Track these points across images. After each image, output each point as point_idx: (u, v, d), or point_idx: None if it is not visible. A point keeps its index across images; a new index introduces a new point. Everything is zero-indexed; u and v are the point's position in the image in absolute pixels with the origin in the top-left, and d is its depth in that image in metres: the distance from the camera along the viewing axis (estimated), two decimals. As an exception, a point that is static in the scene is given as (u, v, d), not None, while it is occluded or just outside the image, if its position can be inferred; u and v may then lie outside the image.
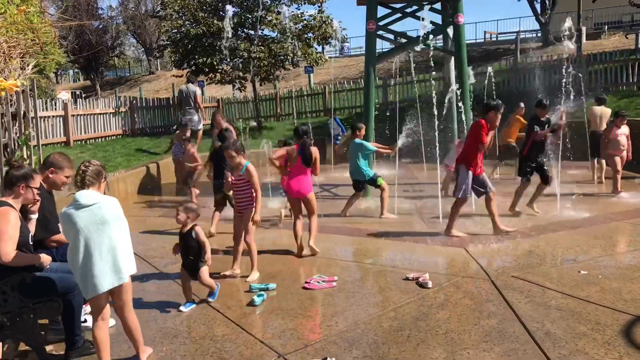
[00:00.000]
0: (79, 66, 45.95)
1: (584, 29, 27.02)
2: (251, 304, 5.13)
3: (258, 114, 19.45)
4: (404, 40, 11.04)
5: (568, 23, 9.43)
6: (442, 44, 11.88)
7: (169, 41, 17.86)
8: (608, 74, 16.38)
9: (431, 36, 10.64)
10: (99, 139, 15.72)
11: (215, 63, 16.39)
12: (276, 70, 17.61)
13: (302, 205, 6.75)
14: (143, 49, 48.00)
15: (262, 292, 5.32)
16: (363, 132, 9.04)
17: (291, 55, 17.03)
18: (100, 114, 15.96)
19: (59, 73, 59.95)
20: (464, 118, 9.60)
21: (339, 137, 14.51)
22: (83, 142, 15.14)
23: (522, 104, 11.66)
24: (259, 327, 4.66)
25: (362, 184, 9.00)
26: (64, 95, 31.60)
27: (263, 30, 17.68)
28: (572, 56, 17.10)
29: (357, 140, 8.93)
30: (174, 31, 17.20)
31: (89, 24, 42.57)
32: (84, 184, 3.91)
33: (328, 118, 16.78)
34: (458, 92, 9.96)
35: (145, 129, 17.56)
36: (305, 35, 18.10)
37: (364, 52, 13.10)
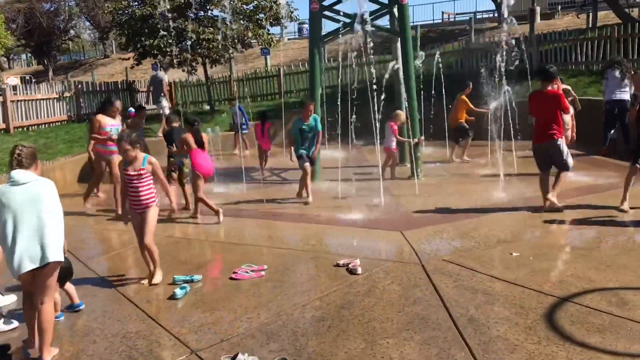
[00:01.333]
0: (30, 50, 44.44)
1: (538, 8, 27.22)
2: (172, 297, 4.92)
3: (210, 97, 19.03)
4: (348, 21, 10.80)
5: (510, 1, 9.30)
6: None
7: (114, 23, 17.24)
8: (558, 53, 16.47)
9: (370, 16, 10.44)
10: (43, 125, 15.14)
11: (162, 45, 15.88)
12: (226, 52, 17.18)
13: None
14: (97, 32, 46.56)
15: (186, 285, 5.12)
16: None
17: (241, 36, 16.63)
18: (43, 99, 15.35)
19: (10, 58, 57.99)
20: (403, 100, 9.48)
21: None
22: (25, 128, 14.54)
23: (469, 84, 11.62)
24: (176, 322, 4.46)
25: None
26: (13, 80, 30.59)
27: (212, 10, 17.21)
28: (522, 36, 17.15)
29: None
30: (119, 12, 16.59)
31: (39, 6, 41.13)
32: (21, 165, 3.97)
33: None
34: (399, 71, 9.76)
35: (92, 114, 16.94)
36: (257, 17, 17.71)
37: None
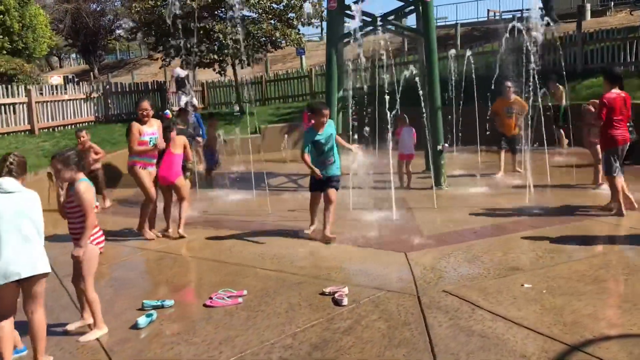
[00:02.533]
0: (76, 50, 45.40)
1: (588, 5, 25.87)
2: (135, 326, 4.47)
3: (239, 98, 18.72)
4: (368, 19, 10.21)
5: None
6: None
7: (140, 23, 17.11)
8: (605, 53, 15.37)
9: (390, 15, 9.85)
10: (69, 126, 15.10)
11: (189, 45, 15.62)
12: (255, 52, 16.82)
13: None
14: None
15: (153, 312, 4.67)
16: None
17: (268, 37, 16.23)
18: (70, 100, 15.33)
19: (61, 57, 59.60)
20: (422, 105, 8.82)
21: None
22: (50, 129, 14.53)
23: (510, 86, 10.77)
24: (129, 358, 4.01)
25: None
26: (56, 79, 31.20)
27: (241, 11, 16.83)
28: (567, 35, 16.13)
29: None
30: (147, 13, 16.42)
31: (85, 6, 41.92)
32: (10, 173, 3.92)
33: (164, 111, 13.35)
34: (417, 76, 9.07)
35: (121, 115, 16.90)
36: (287, 16, 17.29)
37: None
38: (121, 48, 53.11)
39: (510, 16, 28.26)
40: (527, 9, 30.68)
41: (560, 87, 11.80)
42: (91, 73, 37.41)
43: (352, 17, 9.94)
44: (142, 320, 4.50)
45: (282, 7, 17.22)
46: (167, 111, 15.99)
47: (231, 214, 8.32)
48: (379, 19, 10.11)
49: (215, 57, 16.14)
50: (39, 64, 37.57)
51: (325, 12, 18.10)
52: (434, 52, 9.48)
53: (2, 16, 27.07)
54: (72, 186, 4.30)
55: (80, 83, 17.40)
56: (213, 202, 9.15)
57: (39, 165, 10.82)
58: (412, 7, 10.46)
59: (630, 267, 5.31)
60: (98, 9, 42.75)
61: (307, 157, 6.57)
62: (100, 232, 4.43)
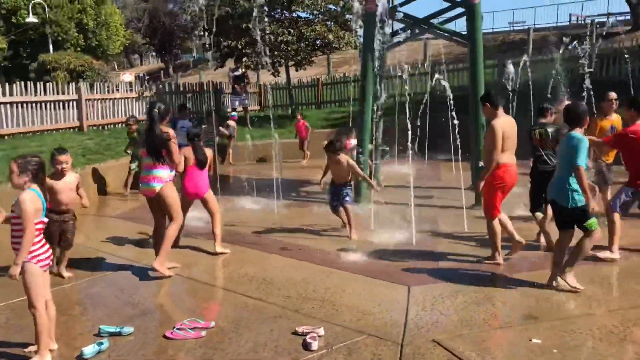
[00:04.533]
0: (153, 48, 46.79)
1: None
2: (80, 356, 4.06)
3: (292, 100, 18.36)
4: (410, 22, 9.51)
5: None
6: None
7: (192, 22, 17.08)
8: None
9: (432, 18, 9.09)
10: (118, 125, 15.22)
11: (240, 46, 15.41)
12: (308, 54, 16.38)
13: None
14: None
15: (104, 341, 4.24)
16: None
17: (321, 39, 15.74)
18: (121, 98, 15.46)
19: (142, 55, 61.78)
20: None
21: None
22: (100, 127, 14.69)
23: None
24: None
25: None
26: (127, 77, 32.12)
27: (296, 12, 16.48)
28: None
29: (575, 133, 5.11)
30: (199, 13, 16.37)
31: (163, 5, 43.09)
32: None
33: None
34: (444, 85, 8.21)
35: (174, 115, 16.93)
36: (345, 18, 16.75)
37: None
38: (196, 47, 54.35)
39: (592, 20, 26.47)
40: (613, 14, 28.74)
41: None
42: (161, 72, 38.30)
43: (392, 19, 9.30)
44: (89, 350, 4.08)
45: (339, 9, 16.71)
46: (235, 113, 15.88)
47: (241, 225, 7.86)
48: (422, 21, 9.44)
49: (266, 58, 15.81)
50: (115, 60, 38.99)
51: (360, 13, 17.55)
52: (478, 59, 8.67)
53: (79, 14, 28.22)
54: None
55: (145, 82, 17.60)
56: (227, 211, 8.73)
57: (74, 165, 10.81)
58: (463, 11, 9.65)
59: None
60: (175, 8, 43.81)
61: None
62: (45, 249, 4.02)
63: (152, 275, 5.71)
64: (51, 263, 4.12)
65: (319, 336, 4.23)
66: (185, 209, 6.47)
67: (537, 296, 5.00)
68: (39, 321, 3.94)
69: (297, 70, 17.99)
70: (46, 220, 4.05)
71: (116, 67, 50.06)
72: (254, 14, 10.10)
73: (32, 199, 3.88)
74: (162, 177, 5.71)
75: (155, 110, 5.63)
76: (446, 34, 9.42)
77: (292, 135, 15.63)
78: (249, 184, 9.89)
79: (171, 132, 5.78)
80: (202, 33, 16.83)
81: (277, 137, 12.87)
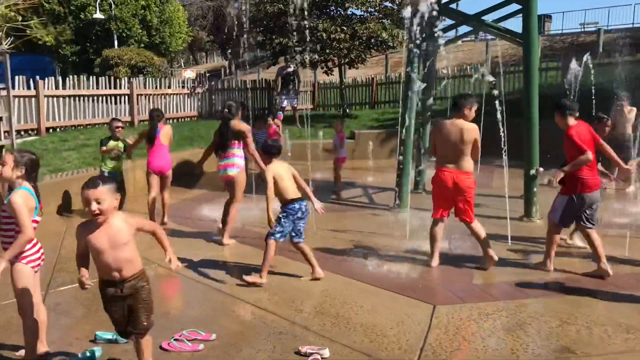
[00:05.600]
0: (217, 46, 47.51)
1: None
2: (70, 364, 3.86)
3: (344, 100, 17.98)
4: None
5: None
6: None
7: (245, 20, 16.94)
8: None
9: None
10: (171, 120, 15.29)
11: (291, 44, 15.15)
12: (361, 53, 15.94)
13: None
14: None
15: (96, 349, 4.01)
16: None
17: (375, 37, 15.28)
18: (173, 94, 15.55)
19: (207, 52, 62.93)
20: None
21: None
22: (151, 122, 14.80)
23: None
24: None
25: None
26: (189, 74, 32.62)
27: (350, 9, 16.07)
28: None
29: None
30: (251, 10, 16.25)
31: (227, 3, 43.62)
32: None
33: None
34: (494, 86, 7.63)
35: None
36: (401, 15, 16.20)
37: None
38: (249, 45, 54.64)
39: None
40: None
41: None
42: (222, 69, 38.68)
43: (441, 16, 8.77)
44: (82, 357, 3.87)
45: (396, 6, 16.17)
46: (280, 112, 15.70)
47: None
48: (473, 18, 8.87)
49: (316, 56, 15.50)
50: (181, 57, 39.72)
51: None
52: (533, 60, 8.02)
53: (143, 11, 28.78)
54: (10, 192, 3.75)
55: (188, 79, 17.72)
56: (257, 212, 8.47)
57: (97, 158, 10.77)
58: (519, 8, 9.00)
59: None
60: (237, 6, 44.22)
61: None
62: (36, 249, 3.82)
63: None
64: (42, 263, 3.92)
65: (322, 358, 3.86)
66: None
67: (578, 325, 4.43)
68: (27, 324, 3.76)
69: (349, 69, 17.61)
70: (39, 219, 3.85)
71: (182, 64, 51.17)
72: (305, 11, 9.84)
73: (25, 198, 3.69)
74: (237, 164, 6.87)
75: (226, 110, 6.95)
76: (498, 32, 8.77)
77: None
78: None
79: (244, 126, 6.92)
80: (255, 30, 16.75)
81: (321, 136, 12.58)
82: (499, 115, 6.42)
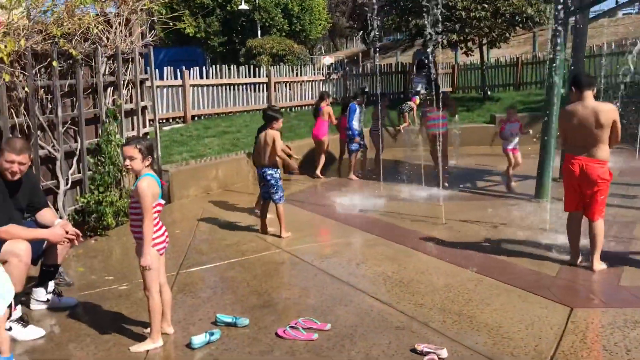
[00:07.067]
0: (356, 32, 47.48)
1: None
2: (188, 345, 3.97)
3: (484, 81, 17.09)
4: None
5: None
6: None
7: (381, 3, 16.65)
8: None
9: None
10: (304, 107, 15.56)
11: (428, 25, 14.63)
12: (504, 31, 15.00)
13: None
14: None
15: (216, 331, 4.10)
16: None
17: (520, 12, 14.28)
18: (308, 81, 15.82)
19: (348, 38, 63.33)
20: None
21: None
22: (287, 110, 15.13)
23: None
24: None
25: None
26: (328, 60, 33.07)
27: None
28: None
29: None
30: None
31: (367, -12, 43.49)
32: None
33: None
34: None
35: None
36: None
37: None
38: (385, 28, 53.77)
39: None
40: None
41: None
42: (360, 54, 38.64)
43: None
44: (198, 340, 3.97)
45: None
46: (416, 96, 15.41)
47: (396, 216, 7.32)
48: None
49: (455, 36, 14.84)
50: (321, 44, 40.31)
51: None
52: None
53: (285, 0, 29.65)
54: (137, 180, 3.93)
55: (323, 66, 17.88)
56: (387, 200, 8.27)
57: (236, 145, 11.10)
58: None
59: None
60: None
61: None
62: (162, 232, 3.98)
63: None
64: (167, 246, 4.08)
65: (439, 358, 3.61)
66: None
67: None
68: (151, 304, 3.92)
69: (492, 48, 16.68)
70: (163, 202, 4.01)
71: (323, 51, 51.92)
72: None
73: (149, 184, 3.85)
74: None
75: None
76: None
77: (481, 118, 14.53)
78: (413, 172, 9.37)
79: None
80: (391, 12, 16.44)
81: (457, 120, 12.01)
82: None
